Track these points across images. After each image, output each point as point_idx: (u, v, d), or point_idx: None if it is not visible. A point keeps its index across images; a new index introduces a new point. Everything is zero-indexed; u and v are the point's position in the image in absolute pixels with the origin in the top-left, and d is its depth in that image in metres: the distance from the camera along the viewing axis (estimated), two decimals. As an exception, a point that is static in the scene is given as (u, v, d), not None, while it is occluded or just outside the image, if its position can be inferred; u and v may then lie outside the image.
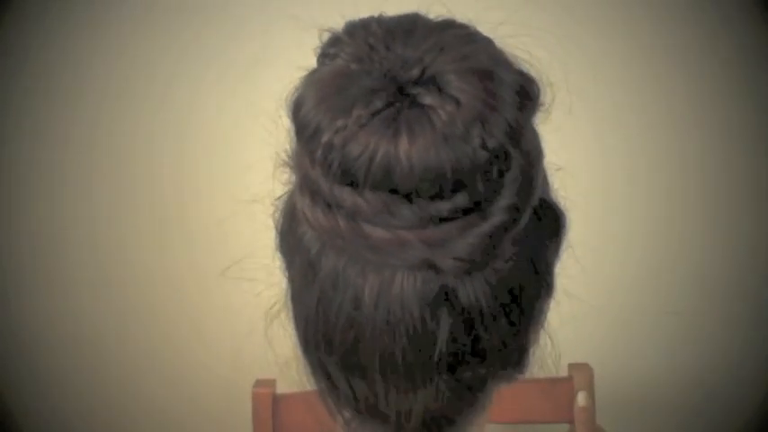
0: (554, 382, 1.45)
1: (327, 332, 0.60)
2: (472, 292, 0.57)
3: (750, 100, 1.65)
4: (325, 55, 0.60)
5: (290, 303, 0.65)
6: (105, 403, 1.66)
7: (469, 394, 0.62)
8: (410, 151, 0.54)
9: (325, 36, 0.61)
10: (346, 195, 0.56)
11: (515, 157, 0.56)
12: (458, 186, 0.55)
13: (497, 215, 0.56)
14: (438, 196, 0.55)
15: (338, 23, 0.61)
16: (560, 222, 0.62)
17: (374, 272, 0.57)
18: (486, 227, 0.56)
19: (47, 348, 1.64)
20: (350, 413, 0.64)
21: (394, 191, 0.55)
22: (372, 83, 0.56)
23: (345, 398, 0.63)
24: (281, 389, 1.48)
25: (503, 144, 0.55)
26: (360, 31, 0.59)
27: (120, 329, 1.64)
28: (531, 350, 0.63)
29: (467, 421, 0.64)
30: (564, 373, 1.46)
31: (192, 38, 1.58)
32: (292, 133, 0.60)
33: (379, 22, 0.60)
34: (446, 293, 0.57)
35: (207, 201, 1.63)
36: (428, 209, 0.55)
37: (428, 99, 0.55)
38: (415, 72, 0.56)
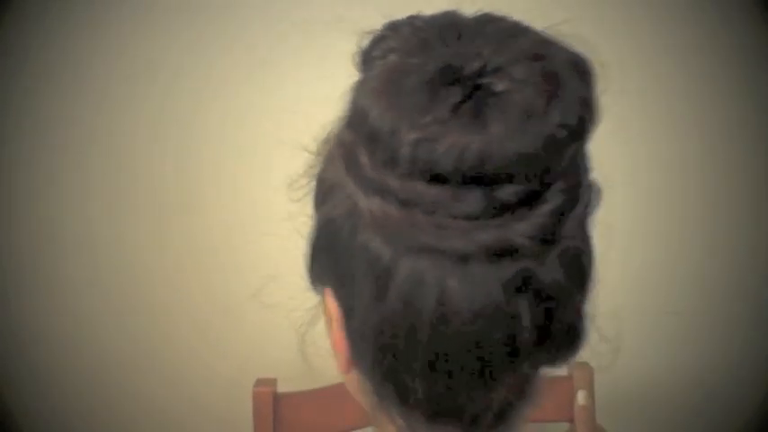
0: (554, 380, 1.45)
1: (411, 336, 0.59)
2: (549, 271, 0.58)
3: (750, 100, 1.65)
4: (372, 56, 0.60)
5: (346, 320, 0.63)
6: (105, 403, 1.66)
7: (536, 381, 0.63)
8: (501, 138, 0.55)
9: (367, 38, 0.61)
10: (427, 191, 0.56)
11: (589, 134, 0.58)
12: (539, 167, 0.56)
13: (565, 193, 0.58)
14: (515, 179, 0.56)
15: (360, 23, 0.62)
16: (598, 200, 0.63)
17: (456, 266, 0.57)
18: (555, 203, 0.57)
19: (47, 348, 1.64)
20: (412, 421, 0.63)
21: (474, 180, 0.55)
22: (439, 78, 0.56)
23: (416, 402, 0.61)
24: (282, 388, 1.48)
25: (580, 119, 0.57)
26: (407, 28, 0.60)
27: (120, 329, 1.64)
28: (586, 332, 0.63)
29: (522, 412, 0.65)
30: (564, 371, 1.46)
31: (194, 38, 1.59)
32: (349, 134, 0.59)
33: (424, 20, 0.60)
34: (525, 276, 0.57)
35: (208, 200, 1.63)
36: (507, 193, 0.56)
37: (501, 86, 0.56)
38: (477, 64, 0.57)
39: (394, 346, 0.59)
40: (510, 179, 0.56)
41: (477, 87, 0.56)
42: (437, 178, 0.55)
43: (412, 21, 0.60)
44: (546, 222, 0.57)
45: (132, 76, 1.59)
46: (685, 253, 1.68)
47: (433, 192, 0.56)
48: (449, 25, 0.59)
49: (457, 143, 0.55)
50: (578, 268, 0.60)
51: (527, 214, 0.56)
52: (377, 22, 0.63)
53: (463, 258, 0.56)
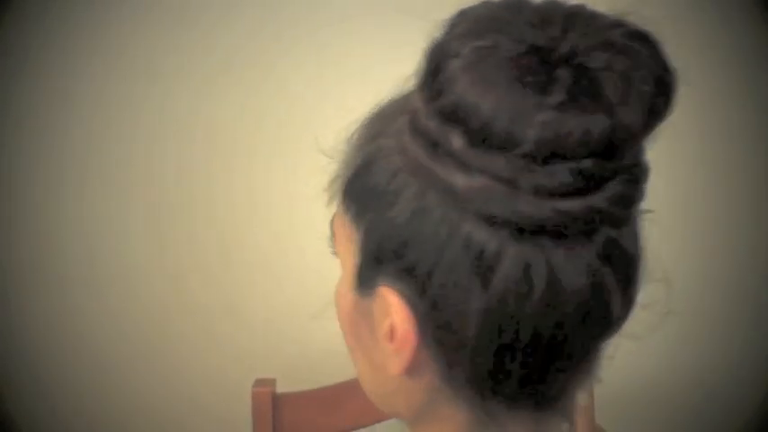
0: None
1: (518, 322, 0.60)
2: (627, 240, 0.62)
3: (750, 100, 1.65)
4: (453, 44, 0.59)
5: (425, 316, 0.62)
6: (105, 403, 1.66)
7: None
8: (626, 115, 0.58)
9: (439, 27, 0.61)
10: (539, 173, 0.57)
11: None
12: (639, 140, 0.60)
13: (641, 164, 0.61)
14: (617, 155, 0.58)
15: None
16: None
17: (555, 243, 0.59)
18: (635, 174, 0.60)
19: (46, 348, 1.64)
20: (497, 405, 0.64)
21: (597, 154, 0.57)
22: (540, 61, 0.58)
23: (508, 387, 0.63)
24: (282, 388, 1.49)
25: (670, 92, 0.61)
26: (485, 13, 0.60)
27: (119, 330, 1.64)
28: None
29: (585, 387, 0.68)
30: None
31: (194, 37, 1.59)
32: (436, 124, 0.58)
33: (497, 5, 0.61)
34: (613, 245, 0.61)
35: (208, 201, 1.63)
36: (605, 168, 0.58)
37: (598, 64, 0.58)
38: (568, 45, 0.58)
39: (499, 331, 0.60)
40: (613, 155, 0.58)
41: (583, 68, 0.58)
42: (552, 159, 0.57)
43: (486, 6, 0.61)
44: (627, 191, 0.60)
45: (132, 76, 1.59)
46: (685, 253, 1.68)
47: (545, 172, 0.57)
48: (524, 10, 0.60)
49: (582, 124, 0.56)
50: (640, 237, 0.64)
51: (614, 184, 0.59)
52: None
53: (561, 235, 0.59)
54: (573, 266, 0.59)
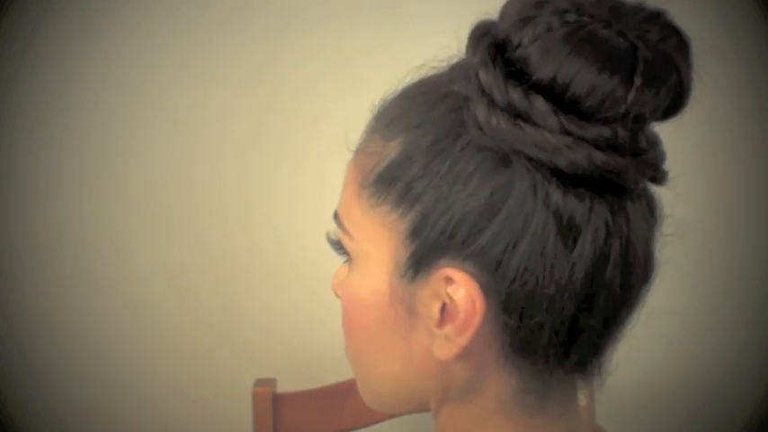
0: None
1: (599, 282, 0.64)
2: (654, 197, 0.70)
3: (750, 100, 1.65)
4: (531, 23, 0.63)
5: (497, 288, 0.64)
6: (105, 403, 1.66)
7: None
8: (686, 87, 0.66)
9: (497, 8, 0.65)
10: (628, 137, 0.63)
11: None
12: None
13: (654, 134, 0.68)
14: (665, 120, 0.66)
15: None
16: None
17: (632, 204, 0.66)
18: (658, 138, 0.69)
19: (46, 348, 1.64)
20: (554, 371, 0.67)
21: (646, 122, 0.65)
22: (622, 38, 0.62)
23: (570, 351, 0.66)
24: (282, 388, 1.49)
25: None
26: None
27: (119, 330, 1.64)
28: None
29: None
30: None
31: (196, 36, 1.59)
32: (545, 108, 0.61)
33: None
34: (648, 201, 0.68)
35: (208, 201, 1.63)
36: (649, 134, 0.67)
37: (657, 35, 0.64)
38: (635, 29, 0.63)
39: (580, 295, 0.64)
40: (661, 120, 0.66)
41: (651, 48, 0.63)
42: (636, 124, 0.63)
43: None
44: (663, 150, 0.69)
45: (132, 76, 1.59)
46: (685, 253, 1.68)
47: (632, 136, 0.63)
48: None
49: (657, 97, 0.64)
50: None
51: (658, 144, 0.68)
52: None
53: (632, 194, 0.66)
54: (639, 219, 0.66)
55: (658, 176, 0.68)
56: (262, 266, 1.65)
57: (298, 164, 1.60)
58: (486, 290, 0.63)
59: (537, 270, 0.62)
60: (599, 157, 0.61)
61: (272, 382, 1.49)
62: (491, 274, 0.63)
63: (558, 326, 0.64)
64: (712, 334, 1.71)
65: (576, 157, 0.61)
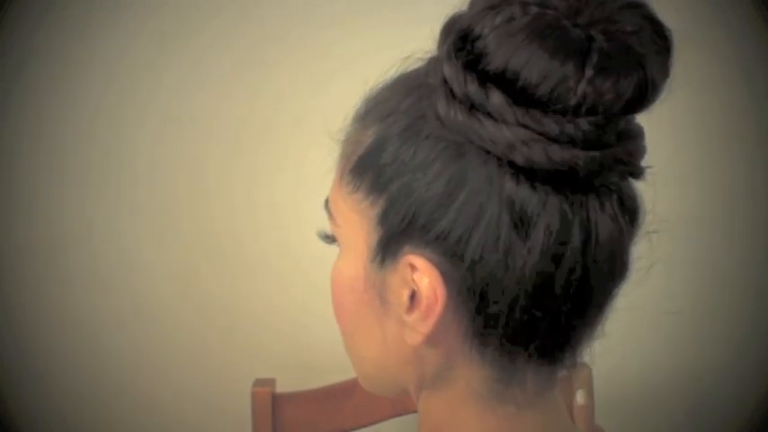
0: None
1: (554, 274, 0.64)
2: (632, 191, 0.67)
3: (750, 100, 1.65)
4: (490, 12, 0.63)
5: (455, 275, 0.65)
6: (105, 403, 1.66)
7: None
8: (651, 72, 0.63)
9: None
10: (586, 127, 0.62)
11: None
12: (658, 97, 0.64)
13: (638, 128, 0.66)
14: (639, 111, 0.64)
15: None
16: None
17: (593, 198, 0.64)
18: (638, 130, 0.66)
19: (47, 346, 1.64)
20: (521, 358, 0.68)
21: (626, 111, 0.63)
22: (580, 28, 0.62)
23: (535, 340, 0.66)
24: (281, 388, 1.49)
25: (671, 49, 0.65)
26: None
27: (119, 329, 1.64)
28: None
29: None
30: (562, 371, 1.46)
31: (200, 35, 1.59)
32: (499, 99, 0.62)
33: None
34: (620, 198, 0.65)
35: (208, 201, 1.63)
36: (625, 124, 0.64)
37: (631, 27, 0.63)
38: (590, 14, 0.63)
39: (536, 284, 0.64)
40: (635, 112, 0.64)
41: (606, 31, 0.62)
42: (594, 115, 0.62)
43: None
44: (641, 143, 0.66)
45: (142, 76, 1.59)
46: (686, 253, 1.68)
47: (590, 127, 0.61)
48: None
49: (616, 83, 0.61)
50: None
51: (633, 137, 0.65)
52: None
53: (593, 187, 0.64)
54: (603, 216, 0.64)
55: (631, 172, 0.65)
56: (262, 266, 1.65)
57: (300, 166, 1.60)
58: (446, 277, 0.64)
59: (492, 259, 0.63)
60: (556, 152, 0.61)
61: (271, 381, 1.49)
62: (450, 261, 0.64)
63: (516, 315, 0.64)
64: (712, 334, 1.71)
65: (532, 153, 0.61)
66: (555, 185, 0.62)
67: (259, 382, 1.49)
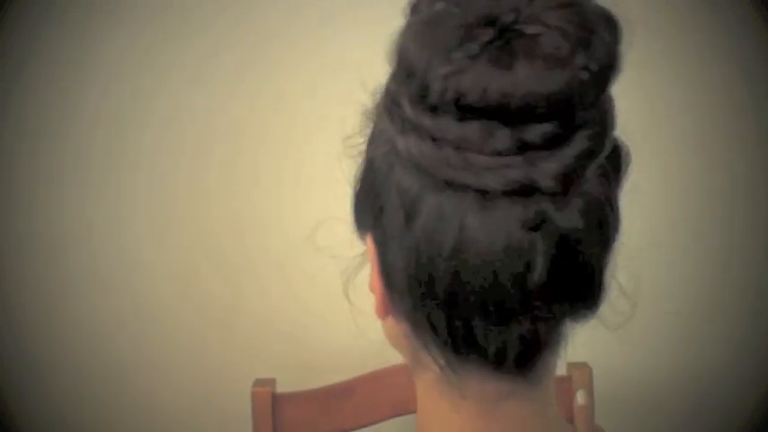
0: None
1: (431, 271, 0.62)
2: (566, 216, 0.61)
3: (749, 100, 1.65)
4: (419, 6, 0.63)
5: (380, 256, 0.66)
6: (105, 403, 1.66)
7: (555, 330, 0.66)
8: (525, 76, 0.58)
9: None
10: (456, 126, 0.60)
11: (610, 82, 0.62)
12: (561, 108, 0.59)
13: (589, 139, 0.61)
14: (540, 119, 0.59)
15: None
16: (626, 160, 0.68)
17: (477, 201, 0.61)
18: (578, 148, 0.61)
19: (47, 346, 1.64)
20: (448, 358, 0.66)
21: (501, 117, 0.59)
22: (476, 21, 0.60)
23: (444, 341, 0.65)
24: (281, 388, 1.48)
25: (603, 67, 0.60)
26: None
27: (119, 329, 1.64)
28: (606, 286, 0.67)
29: (547, 360, 0.67)
30: (563, 371, 1.46)
31: (202, 36, 1.59)
32: (392, 79, 0.63)
33: None
34: (543, 217, 0.61)
35: (208, 201, 1.63)
36: (533, 133, 0.59)
37: (532, 30, 0.60)
38: (512, 11, 0.60)
39: (418, 281, 0.63)
40: (536, 119, 0.59)
41: (510, 31, 0.60)
42: (466, 114, 0.59)
43: None
44: (568, 165, 0.60)
45: (145, 77, 1.59)
46: (685, 253, 1.68)
47: (462, 127, 0.59)
48: None
49: (482, 78, 0.58)
50: (599, 221, 0.63)
51: (550, 156, 0.60)
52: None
53: (484, 194, 0.60)
54: (489, 225, 0.61)
55: (533, 191, 0.60)
56: (263, 266, 1.65)
57: (301, 166, 1.60)
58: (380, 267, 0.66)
59: (392, 249, 0.64)
60: (414, 146, 0.61)
61: (271, 382, 1.49)
62: (379, 244, 0.66)
63: (422, 310, 0.64)
64: (712, 334, 1.70)
65: (407, 144, 0.61)
66: (436, 181, 0.61)
67: (259, 382, 1.49)
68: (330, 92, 1.58)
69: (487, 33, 0.59)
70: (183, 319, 1.64)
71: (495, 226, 0.60)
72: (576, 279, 0.63)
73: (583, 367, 1.47)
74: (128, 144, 1.61)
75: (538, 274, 0.61)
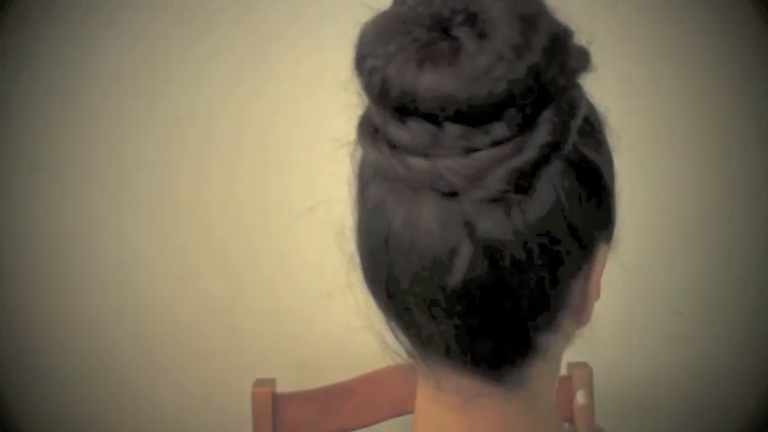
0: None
1: (371, 262, 0.64)
2: (490, 225, 0.60)
3: (749, 100, 1.65)
4: (394, 3, 0.64)
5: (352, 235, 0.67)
6: (105, 403, 1.66)
7: (517, 340, 0.64)
8: (430, 78, 0.58)
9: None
10: (391, 124, 0.60)
11: (547, 99, 0.59)
12: (488, 118, 0.58)
13: (526, 152, 0.59)
14: (455, 120, 0.58)
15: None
16: (600, 183, 0.64)
17: (407, 200, 0.61)
18: (514, 162, 0.59)
19: (47, 346, 1.64)
20: (415, 348, 0.66)
21: (431, 120, 0.59)
22: (418, 19, 0.60)
23: (404, 332, 0.66)
24: (281, 388, 1.49)
25: (526, 83, 0.58)
26: None
27: (119, 329, 1.64)
28: (566, 309, 0.64)
29: (527, 368, 0.66)
30: (563, 371, 1.46)
31: (204, 37, 1.59)
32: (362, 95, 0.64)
33: None
34: (465, 222, 0.60)
35: (208, 201, 1.63)
36: (444, 133, 0.59)
37: (459, 32, 0.59)
38: (459, 13, 0.60)
39: (365, 269, 0.64)
40: (452, 120, 0.58)
41: (444, 30, 0.60)
42: (399, 112, 0.59)
43: None
44: (482, 169, 0.58)
45: (147, 75, 1.59)
46: (685, 253, 1.68)
47: (395, 124, 0.60)
48: None
49: (398, 74, 0.59)
50: (547, 240, 0.61)
51: (478, 163, 0.58)
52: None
53: (414, 195, 0.60)
54: (413, 221, 0.61)
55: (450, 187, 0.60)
56: (264, 266, 1.65)
57: (301, 167, 1.60)
58: None
59: (355, 237, 0.65)
60: (359, 135, 0.63)
61: (271, 382, 1.49)
62: None
63: (375, 300, 0.65)
64: (712, 334, 1.70)
65: (359, 135, 0.63)
66: (372, 170, 0.62)
67: (259, 382, 1.49)
68: (331, 92, 1.58)
69: (420, 32, 0.60)
70: (183, 320, 1.64)
71: (418, 227, 0.60)
72: (504, 297, 0.61)
73: (583, 367, 1.47)
74: (128, 144, 1.61)
75: (453, 278, 0.60)
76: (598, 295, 0.67)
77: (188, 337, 1.65)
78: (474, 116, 0.58)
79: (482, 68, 0.58)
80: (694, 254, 1.69)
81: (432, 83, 0.58)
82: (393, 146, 0.60)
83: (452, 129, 0.58)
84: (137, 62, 1.59)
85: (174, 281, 1.64)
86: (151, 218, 1.63)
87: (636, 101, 1.59)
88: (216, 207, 1.64)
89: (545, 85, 0.59)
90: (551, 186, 0.61)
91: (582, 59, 0.62)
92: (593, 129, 0.64)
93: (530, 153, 0.59)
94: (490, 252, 0.60)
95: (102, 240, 1.63)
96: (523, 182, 0.59)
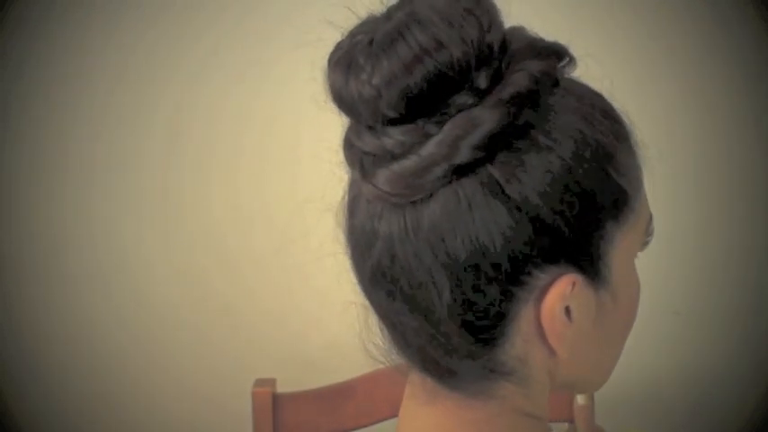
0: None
1: (350, 250, 0.67)
2: (389, 222, 0.62)
3: (749, 99, 1.65)
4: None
5: None
6: (105, 403, 1.66)
7: (448, 347, 0.64)
8: (335, 80, 0.65)
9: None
10: (350, 128, 0.65)
11: (456, 106, 0.60)
12: (380, 111, 0.61)
13: (421, 155, 0.60)
14: (389, 124, 0.61)
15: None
16: (511, 214, 0.61)
17: (359, 186, 0.65)
18: (407, 164, 0.60)
19: (47, 346, 1.64)
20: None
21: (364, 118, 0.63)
22: (370, 26, 0.65)
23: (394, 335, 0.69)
24: (281, 388, 1.49)
25: (422, 87, 0.60)
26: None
27: (119, 329, 1.64)
28: (506, 328, 0.64)
29: (486, 385, 0.66)
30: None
31: (205, 37, 1.59)
32: None
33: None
34: (373, 218, 0.63)
35: (208, 201, 1.63)
36: (379, 137, 0.62)
37: (379, 36, 0.63)
38: (387, 21, 0.64)
39: (351, 256, 0.67)
40: (363, 121, 0.63)
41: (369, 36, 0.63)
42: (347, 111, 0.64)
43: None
44: (390, 175, 0.61)
45: (147, 74, 1.59)
46: (685, 253, 1.68)
47: (349, 123, 0.65)
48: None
49: (332, 80, 0.65)
50: (429, 243, 0.61)
51: (384, 161, 0.61)
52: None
53: (360, 190, 0.65)
54: (358, 215, 0.65)
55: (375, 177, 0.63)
56: (264, 266, 1.65)
57: (302, 168, 1.60)
58: None
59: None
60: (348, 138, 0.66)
61: (271, 381, 1.49)
62: None
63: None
64: (712, 334, 1.71)
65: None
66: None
67: (259, 382, 1.49)
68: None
69: (361, 37, 0.64)
70: (183, 319, 1.65)
71: (358, 221, 0.65)
72: (419, 297, 0.63)
73: (583, 367, 1.47)
74: (129, 143, 1.61)
75: (369, 265, 0.64)
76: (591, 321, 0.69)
77: (188, 337, 1.65)
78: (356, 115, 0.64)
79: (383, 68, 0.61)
80: (694, 254, 1.69)
81: (332, 85, 0.65)
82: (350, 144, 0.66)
83: (393, 131, 0.62)
84: (137, 62, 1.59)
85: (175, 281, 1.64)
86: (153, 217, 1.63)
87: (636, 101, 1.59)
88: (217, 207, 1.64)
89: (427, 102, 0.60)
90: (453, 193, 0.61)
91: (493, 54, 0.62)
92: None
93: (415, 159, 0.60)
94: (391, 253, 0.62)
95: (102, 240, 1.63)
96: (408, 185, 0.61)
